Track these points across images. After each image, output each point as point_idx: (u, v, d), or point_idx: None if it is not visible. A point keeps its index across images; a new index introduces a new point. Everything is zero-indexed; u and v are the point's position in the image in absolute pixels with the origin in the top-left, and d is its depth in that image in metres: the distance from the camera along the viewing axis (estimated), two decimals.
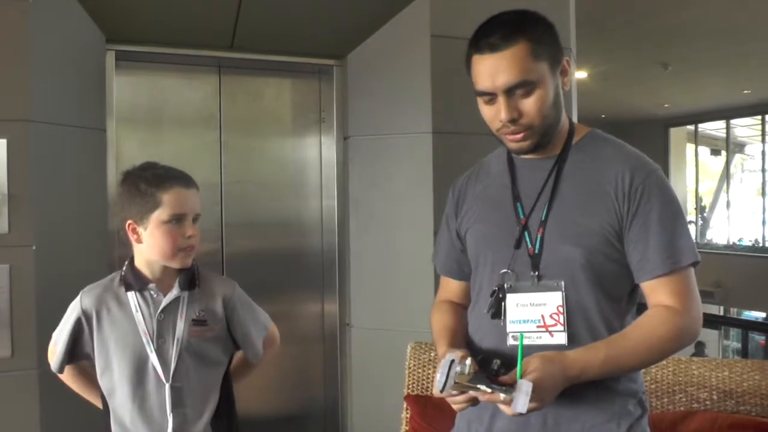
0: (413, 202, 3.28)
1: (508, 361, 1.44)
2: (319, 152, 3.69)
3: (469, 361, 1.39)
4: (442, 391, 1.38)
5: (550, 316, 1.54)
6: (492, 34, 1.50)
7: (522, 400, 1.31)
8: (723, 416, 2.28)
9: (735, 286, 11.99)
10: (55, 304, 2.74)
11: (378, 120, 3.41)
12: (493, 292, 1.60)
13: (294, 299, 3.69)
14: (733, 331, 6.50)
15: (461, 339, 1.68)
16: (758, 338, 6.20)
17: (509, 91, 1.49)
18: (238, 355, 2.14)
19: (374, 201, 3.44)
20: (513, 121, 1.51)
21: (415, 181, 3.27)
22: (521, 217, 1.60)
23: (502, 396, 1.34)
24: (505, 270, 1.59)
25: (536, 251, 1.56)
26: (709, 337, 6.23)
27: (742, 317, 6.42)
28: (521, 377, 1.36)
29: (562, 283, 1.53)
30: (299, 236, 3.68)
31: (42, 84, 2.74)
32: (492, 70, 1.50)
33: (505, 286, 1.58)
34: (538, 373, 1.37)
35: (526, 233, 1.58)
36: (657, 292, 1.52)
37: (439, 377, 1.37)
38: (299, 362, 3.67)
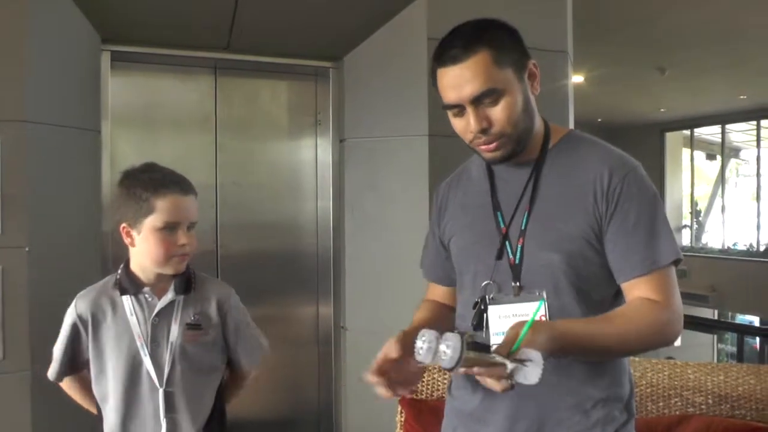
0: (409, 204, 3.27)
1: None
2: (314, 154, 3.69)
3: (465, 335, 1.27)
4: (452, 369, 1.24)
5: None
6: (453, 46, 1.48)
7: (536, 372, 1.22)
8: (718, 420, 2.27)
9: (729, 290, 11.99)
10: (47, 306, 2.74)
11: (374, 122, 3.40)
12: (476, 304, 1.57)
13: (289, 301, 3.68)
14: (728, 335, 6.51)
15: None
16: (752, 342, 6.20)
17: (476, 101, 1.46)
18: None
19: (370, 203, 3.43)
20: (484, 131, 1.48)
21: (410, 183, 3.27)
22: (501, 226, 1.58)
23: (509, 367, 1.24)
24: (487, 281, 1.57)
25: (516, 261, 1.54)
26: (703, 340, 6.24)
27: (737, 321, 6.43)
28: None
29: (544, 292, 1.50)
30: (294, 238, 3.68)
31: (37, 84, 2.74)
32: (456, 81, 1.47)
33: (487, 297, 1.55)
34: (532, 344, 1.25)
35: (507, 243, 1.56)
36: (636, 289, 1.48)
37: (452, 353, 1.22)
38: (293, 365, 3.66)
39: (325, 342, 3.69)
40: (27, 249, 2.68)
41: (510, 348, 1.26)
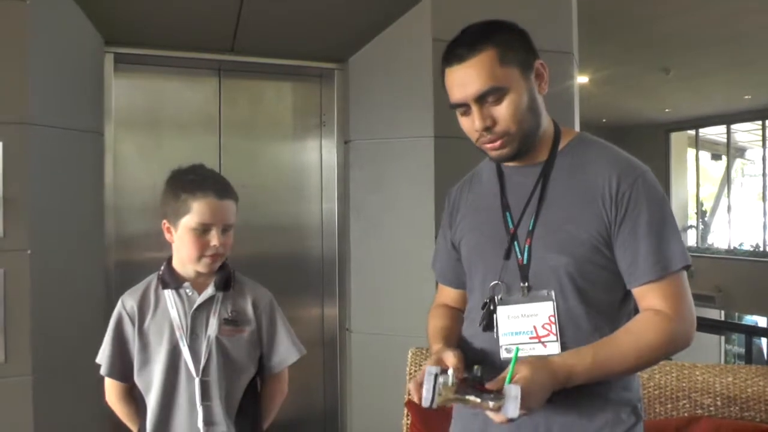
0: (414, 206, 3.26)
1: (496, 369, 1.43)
2: (319, 156, 3.68)
3: (450, 371, 1.37)
4: (429, 407, 1.36)
5: (542, 326, 1.52)
6: (459, 45, 1.51)
7: (512, 405, 1.29)
8: (727, 422, 2.27)
9: (736, 290, 11.97)
10: (49, 309, 2.73)
11: (379, 124, 3.39)
12: (485, 304, 1.58)
13: (294, 303, 3.67)
14: (734, 336, 6.49)
15: (455, 339, 1.67)
16: (758, 343, 6.17)
17: (480, 99, 1.48)
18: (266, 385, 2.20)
19: (375, 205, 3.42)
20: (488, 129, 1.50)
21: (416, 185, 3.26)
22: (510, 226, 1.59)
23: (491, 404, 1.32)
24: (496, 282, 1.58)
25: (525, 261, 1.54)
26: (710, 341, 6.22)
27: (743, 322, 6.40)
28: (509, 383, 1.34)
29: (553, 292, 1.51)
30: (299, 240, 3.67)
31: (39, 86, 2.73)
32: (461, 80, 1.50)
33: (496, 298, 1.57)
34: (525, 381, 1.34)
35: (515, 243, 1.57)
36: (647, 297, 1.49)
37: (425, 393, 1.35)
38: (298, 367, 3.61)
39: (330, 344, 3.68)
40: (29, 252, 2.67)
41: (501, 385, 1.34)
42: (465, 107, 1.52)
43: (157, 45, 3.26)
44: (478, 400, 1.33)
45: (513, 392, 1.30)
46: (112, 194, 3.17)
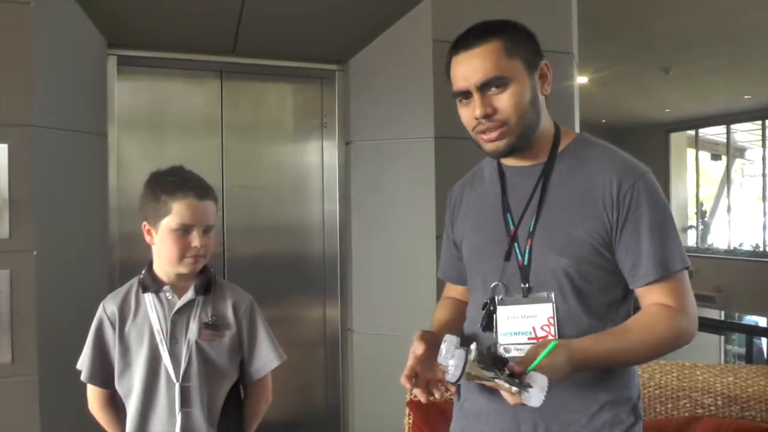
0: (415, 206, 3.27)
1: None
2: (320, 157, 3.69)
3: (474, 345, 1.34)
4: (455, 382, 1.33)
5: (541, 327, 1.53)
6: (468, 35, 1.55)
7: (538, 396, 1.28)
8: (728, 422, 2.27)
9: (736, 290, 11.96)
10: (55, 310, 2.74)
11: (380, 125, 3.40)
12: (485, 305, 1.60)
13: (295, 304, 3.68)
14: (735, 336, 6.49)
15: (456, 331, 1.68)
16: (758, 343, 6.16)
17: (483, 87, 1.51)
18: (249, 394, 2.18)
19: (376, 206, 3.43)
20: (487, 117, 1.51)
21: (417, 186, 3.27)
22: (511, 227, 1.60)
23: (513, 389, 1.29)
24: (496, 282, 1.59)
25: (525, 263, 1.56)
26: (710, 341, 6.21)
27: (743, 322, 6.40)
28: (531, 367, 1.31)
29: (553, 294, 1.52)
30: (301, 241, 3.68)
31: (43, 88, 2.74)
32: (466, 67, 1.52)
33: (496, 299, 1.58)
34: (547, 367, 1.32)
35: (515, 245, 1.58)
36: (651, 294, 1.51)
37: (453, 369, 1.30)
38: (300, 367, 3.66)
39: (332, 344, 3.69)
40: (35, 253, 2.68)
41: (526, 368, 1.31)
42: (467, 95, 1.54)
43: (160, 47, 3.28)
44: (506, 385, 1.30)
45: (540, 382, 1.28)
46: (116, 195, 3.18)
